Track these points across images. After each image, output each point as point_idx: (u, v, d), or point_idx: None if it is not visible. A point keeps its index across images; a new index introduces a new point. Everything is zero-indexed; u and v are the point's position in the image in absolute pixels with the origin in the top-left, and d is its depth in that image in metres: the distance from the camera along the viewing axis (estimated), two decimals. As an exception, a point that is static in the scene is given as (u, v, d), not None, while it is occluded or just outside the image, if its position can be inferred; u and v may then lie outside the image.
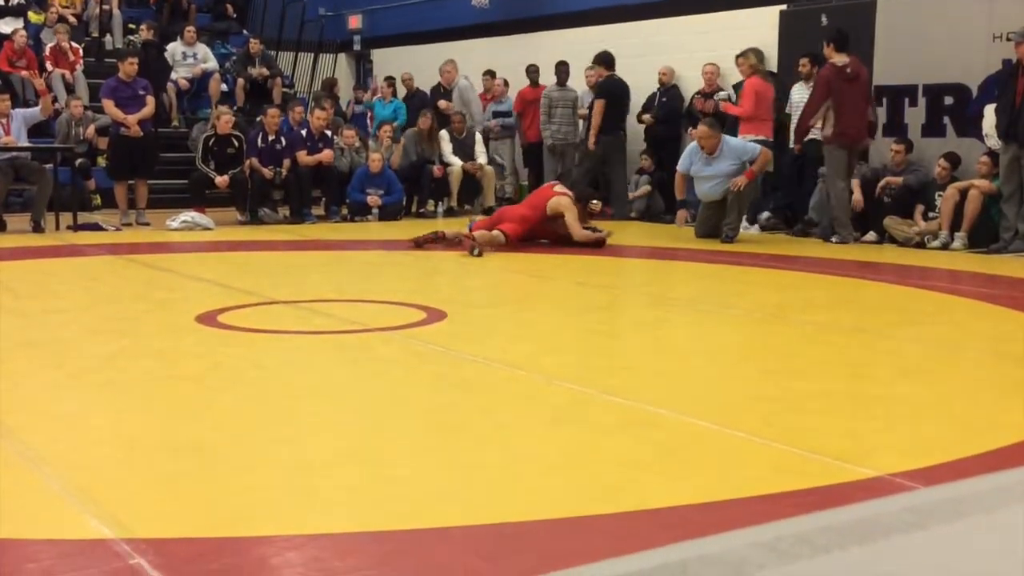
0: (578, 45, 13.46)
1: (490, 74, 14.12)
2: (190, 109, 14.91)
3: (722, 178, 9.72)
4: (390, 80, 14.62)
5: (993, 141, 9.53)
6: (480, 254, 8.78)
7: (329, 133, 12.47)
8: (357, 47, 17.75)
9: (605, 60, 11.99)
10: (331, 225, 11.84)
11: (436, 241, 9.52)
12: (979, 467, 3.24)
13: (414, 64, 14.96)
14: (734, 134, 10.28)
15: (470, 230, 9.49)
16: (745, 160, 9.75)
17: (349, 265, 8.87)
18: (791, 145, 10.80)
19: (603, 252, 9.37)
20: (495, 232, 9.24)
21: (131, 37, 15.19)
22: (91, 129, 12.49)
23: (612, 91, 11.93)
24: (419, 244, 9.45)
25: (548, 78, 13.37)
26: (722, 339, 5.81)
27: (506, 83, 14.05)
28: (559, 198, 9.67)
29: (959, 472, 3.19)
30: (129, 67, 11.52)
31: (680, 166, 9.91)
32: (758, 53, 10.73)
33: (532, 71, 13.73)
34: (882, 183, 10.09)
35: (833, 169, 9.95)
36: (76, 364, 4.78)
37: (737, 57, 10.80)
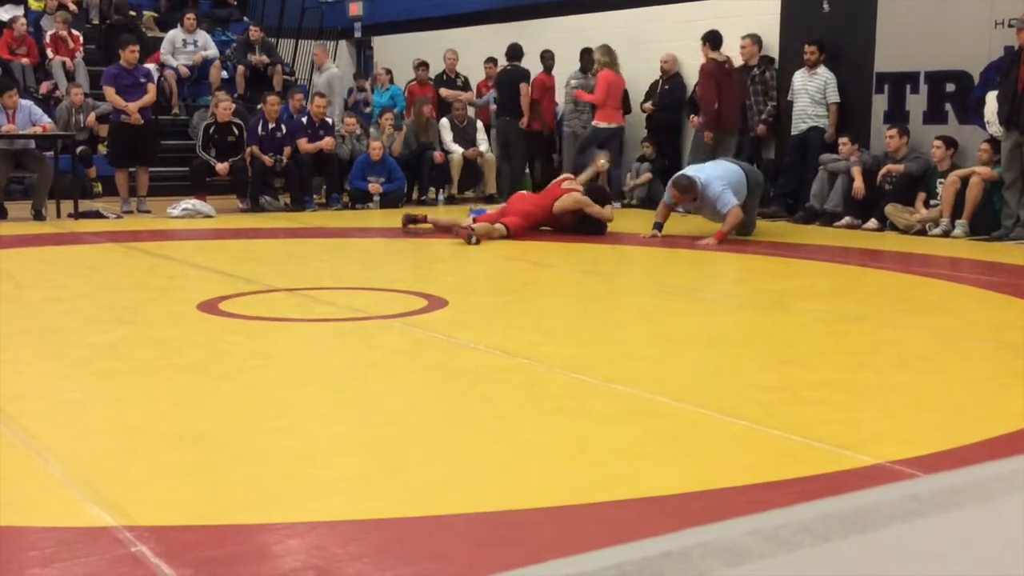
0: (578, 32, 13.41)
1: (492, 61, 14.05)
2: (191, 96, 14.89)
3: (712, 215, 9.38)
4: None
5: (995, 128, 9.51)
6: (477, 242, 8.80)
7: (330, 121, 12.45)
8: (358, 34, 17.70)
9: (510, 52, 13.15)
10: (332, 213, 11.83)
11: (418, 223, 9.74)
12: (978, 455, 3.24)
13: (415, 52, 14.91)
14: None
15: (474, 220, 9.50)
16: (719, 210, 9.11)
17: (350, 253, 8.87)
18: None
19: (604, 240, 9.37)
20: (497, 225, 9.29)
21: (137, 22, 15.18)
22: (92, 116, 12.47)
23: (501, 81, 13.18)
24: (405, 226, 9.79)
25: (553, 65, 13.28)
26: (723, 327, 5.81)
27: (507, 69, 13.99)
28: (571, 195, 9.73)
29: (958, 460, 3.19)
30: (130, 55, 11.49)
31: (666, 199, 9.57)
32: (608, 51, 12.03)
33: (547, 57, 13.33)
34: (883, 170, 10.08)
35: (701, 152, 10.85)
36: (77, 352, 4.78)
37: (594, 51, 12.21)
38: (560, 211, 9.65)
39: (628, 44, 12.57)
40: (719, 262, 8.24)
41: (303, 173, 12.00)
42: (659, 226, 9.47)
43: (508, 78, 13.07)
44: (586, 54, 12.82)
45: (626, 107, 12.61)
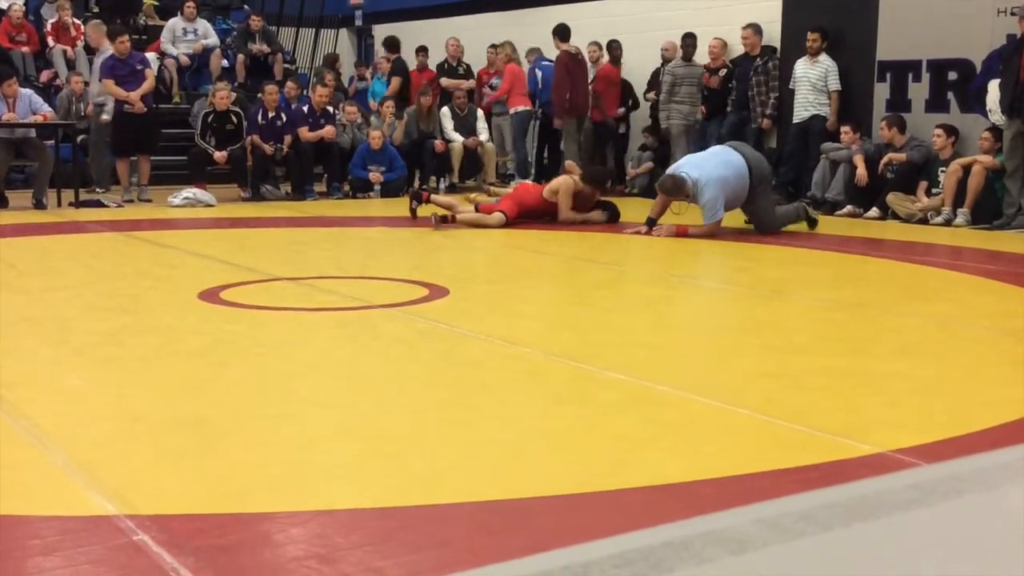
0: (580, 20, 13.36)
1: (494, 48, 14.00)
2: (191, 85, 14.86)
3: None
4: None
5: (997, 116, 9.48)
6: (438, 225, 8.92)
7: (331, 109, 12.43)
8: (359, 23, 17.67)
9: (389, 44, 14.38)
10: (333, 202, 11.82)
11: (422, 203, 9.67)
12: (981, 444, 3.24)
13: (416, 40, 14.87)
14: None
15: (476, 210, 9.54)
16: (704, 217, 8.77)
17: (351, 242, 8.87)
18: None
19: (605, 229, 9.36)
20: (494, 214, 9.29)
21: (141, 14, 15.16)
22: (90, 106, 12.44)
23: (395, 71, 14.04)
24: (414, 212, 9.64)
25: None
26: (724, 316, 5.81)
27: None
28: (559, 178, 9.76)
29: (961, 449, 3.20)
30: (120, 46, 11.42)
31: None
32: (511, 45, 13.16)
33: (615, 47, 12.54)
34: (885, 159, 10.07)
35: (570, 136, 12.21)
36: (79, 340, 4.78)
37: (497, 47, 13.40)
38: (550, 195, 9.63)
39: (630, 33, 12.52)
40: (720, 251, 8.24)
41: (304, 162, 11.99)
42: (651, 222, 8.95)
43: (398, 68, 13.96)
44: (688, 39, 12.00)
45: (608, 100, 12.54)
